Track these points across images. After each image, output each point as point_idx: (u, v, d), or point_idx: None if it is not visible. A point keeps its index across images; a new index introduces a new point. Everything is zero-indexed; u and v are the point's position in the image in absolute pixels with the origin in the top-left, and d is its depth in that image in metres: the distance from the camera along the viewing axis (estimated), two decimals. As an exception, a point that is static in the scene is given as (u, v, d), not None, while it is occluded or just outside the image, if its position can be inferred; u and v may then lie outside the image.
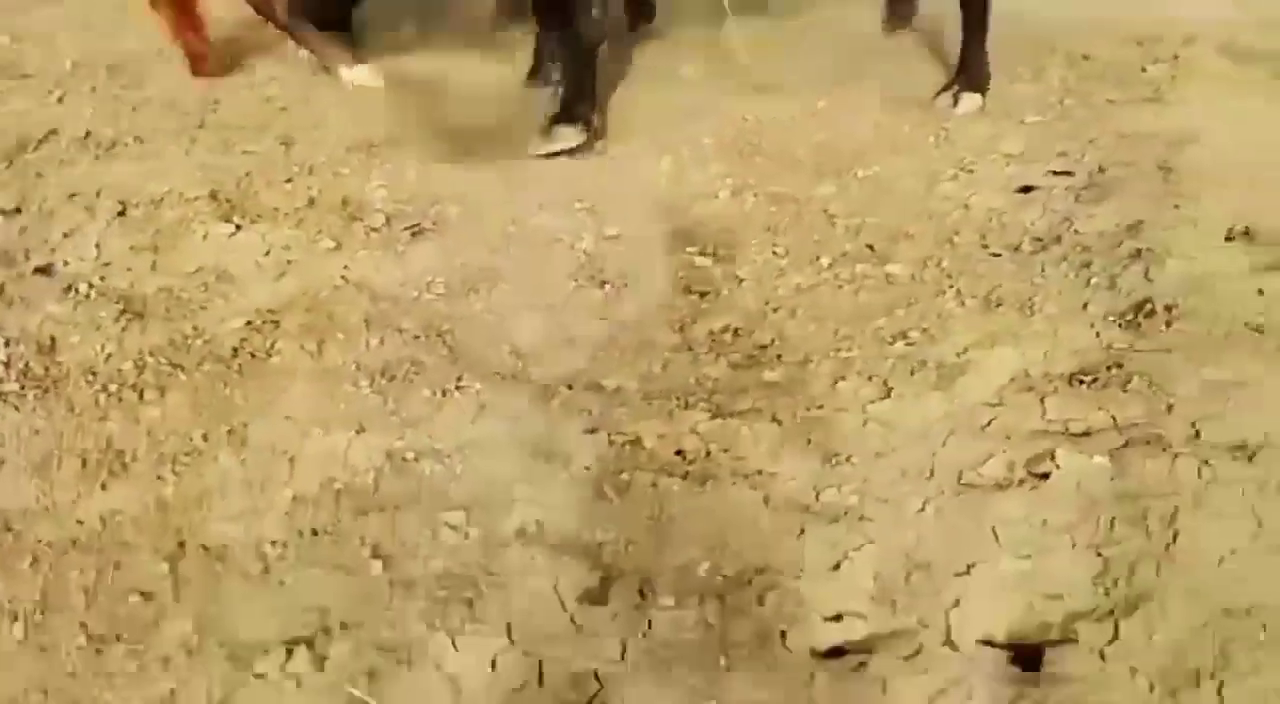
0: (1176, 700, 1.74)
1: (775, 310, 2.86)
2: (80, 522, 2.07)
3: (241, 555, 2.01)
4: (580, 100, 3.57)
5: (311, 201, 3.31)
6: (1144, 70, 4.13)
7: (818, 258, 3.10)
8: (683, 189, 3.39)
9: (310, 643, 1.84)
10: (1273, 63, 4.12)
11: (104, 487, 2.15)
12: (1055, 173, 3.64)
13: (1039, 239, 3.25)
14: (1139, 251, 3.08)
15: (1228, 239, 3.18)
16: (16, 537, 2.02)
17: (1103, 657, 1.83)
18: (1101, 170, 3.61)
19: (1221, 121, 3.75)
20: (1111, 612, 1.91)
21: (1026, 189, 3.54)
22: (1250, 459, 2.19)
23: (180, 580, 1.96)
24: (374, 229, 3.18)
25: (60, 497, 2.12)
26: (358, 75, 3.93)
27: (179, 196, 3.32)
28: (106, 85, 4.24)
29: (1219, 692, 1.75)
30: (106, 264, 2.97)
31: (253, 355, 2.58)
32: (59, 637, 1.83)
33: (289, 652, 1.82)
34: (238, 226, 3.14)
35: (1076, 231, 3.26)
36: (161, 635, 1.85)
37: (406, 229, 3.16)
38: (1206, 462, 2.20)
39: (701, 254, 3.11)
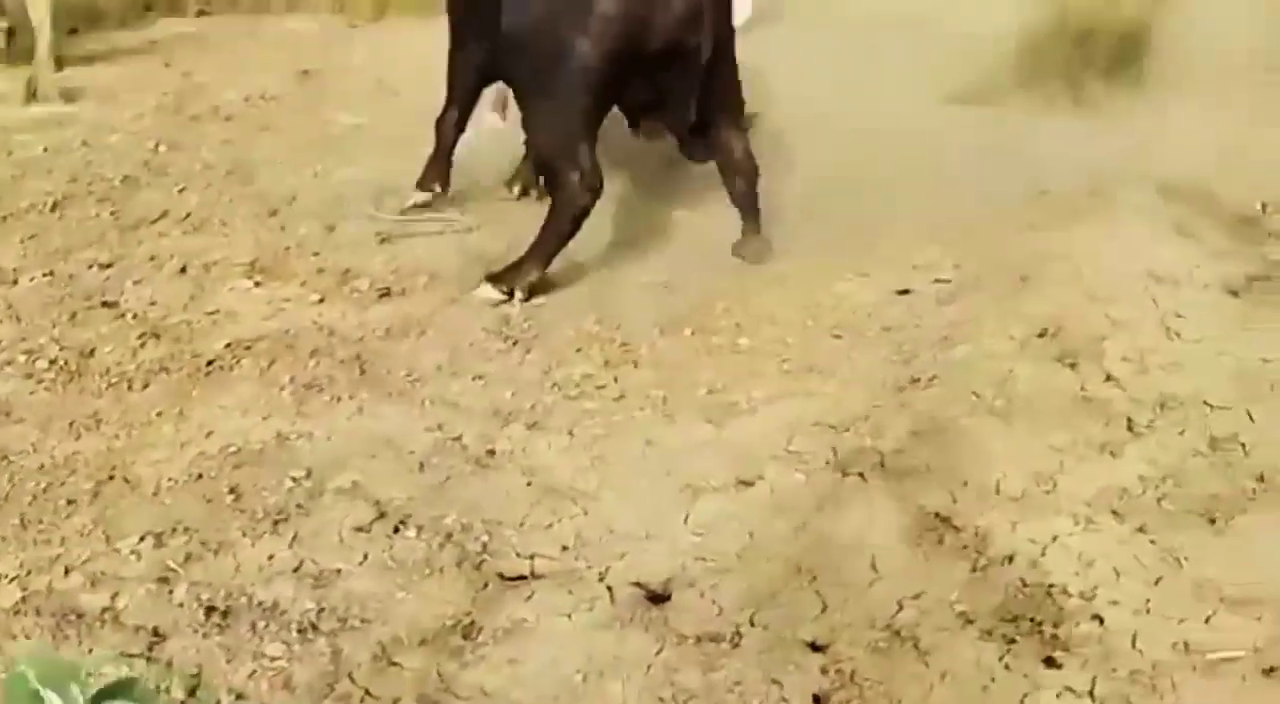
0: (746, 619, 2.31)
1: (630, 363, 3.54)
2: (51, 458, 2.94)
3: (146, 485, 2.84)
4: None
5: (321, 270, 4.21)
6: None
7: (685, 330, 3.76)
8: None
9: (159, 537, 2.63)
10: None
11: (77, 438, 3.03)
12: (937, 280, 4.20)
13: (887, 329, 3.82)
14: (946, 338, 3.62)
15: (1039, 336, 3.68)
16: (5, 463, 2.91)
17: (701, 595, 2.42)
18: (976, 279, 4.15)
19: (1086, 245, 4.26)
20: (729, 569, 2.50)
21: (905, 292, 4.10)
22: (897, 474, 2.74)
23: (99, 497, 2.80)
24: (357, 291, 4.05)
25: (46, 443, 3.01)
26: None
27: (228, 262, 4.28)
28: (222, 182, 5.33)
29: (752, 619, 2.32)
30: (153, 303, 3.92)
31: (221, 367, 3.44)
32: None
33: (141, 539, 2.61)
34: (256, 283, 4.06)
35: (917, 326, 3.82)
36: (68, 525, 2.68)
37: (378, 292, 4.00)
38: (862, 477, 2.76)
39: (598, 323, 3.82)
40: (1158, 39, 6.65)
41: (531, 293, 3.87)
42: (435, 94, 4.83)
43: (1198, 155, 5.35)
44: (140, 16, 9.61)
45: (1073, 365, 3.39)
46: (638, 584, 2.48)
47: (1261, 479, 2.88)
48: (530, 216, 4.66)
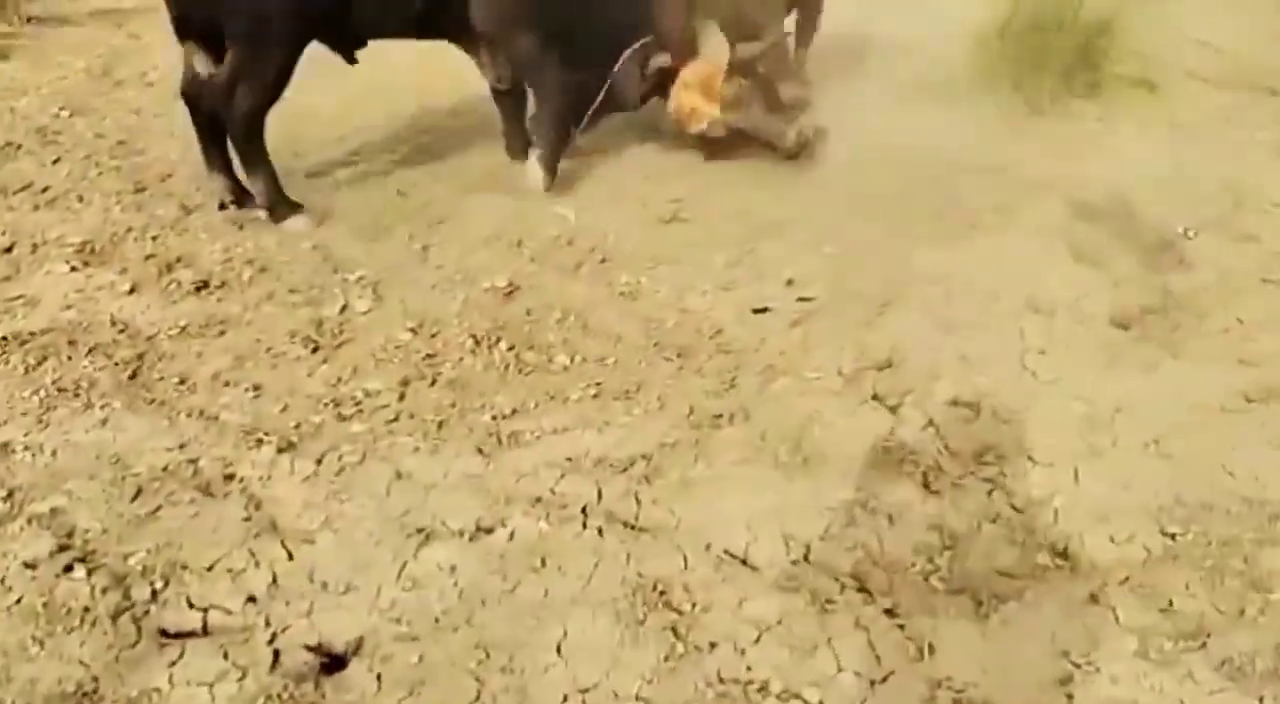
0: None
1: (427, 380, 3.22)
2: None
3: None
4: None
5: (150, 257, 3.90)
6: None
7: (503, 344, 3.43)
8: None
9: None
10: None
11: None
12: (801, 298, 3.83)
13: (725, 352, 3.48)
14: (772, 367, 3.28)
15: (878, 369, 3.33)
16: None
17: (371, 668, 2.11)
18: (842, 299, 3.78)
19: (968, 266, 3.88)
20: (416, 636, 2.19)
21: (762, 310, 3.74)
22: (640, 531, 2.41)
23: None
24: (177, 282, 3.74)
25: None
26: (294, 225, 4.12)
27: (60, 242, 3.99)
28: (107, 153, 5.03)
29: None
30: (-43, 281, 3.63)
31: (-17, 363, 3.15)
32: None
33: None
34: (73, 268, 3.77)
35: (756, 350, 3.47)
36: None
37: (196, 284, 3.69)
38: (600, 532, 2.43)
39: (414, 331, 3.50)
40: (1118, 45, 6.19)
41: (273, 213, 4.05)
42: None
43: (1131, 170, 4.95)
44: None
45: (894, 407, 3.04)
46: (315, 647, 2.17)
47: (1062, 554, 2.52)
48: (386, 203, 4.37)
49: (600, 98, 4.73)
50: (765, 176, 4.92)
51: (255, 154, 4.15)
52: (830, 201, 4.60)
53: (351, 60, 4.47)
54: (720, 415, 2.97)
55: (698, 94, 4.80)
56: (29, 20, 7.91)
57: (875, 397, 3.07)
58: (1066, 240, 4.28)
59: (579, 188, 4.78)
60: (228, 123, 4.09)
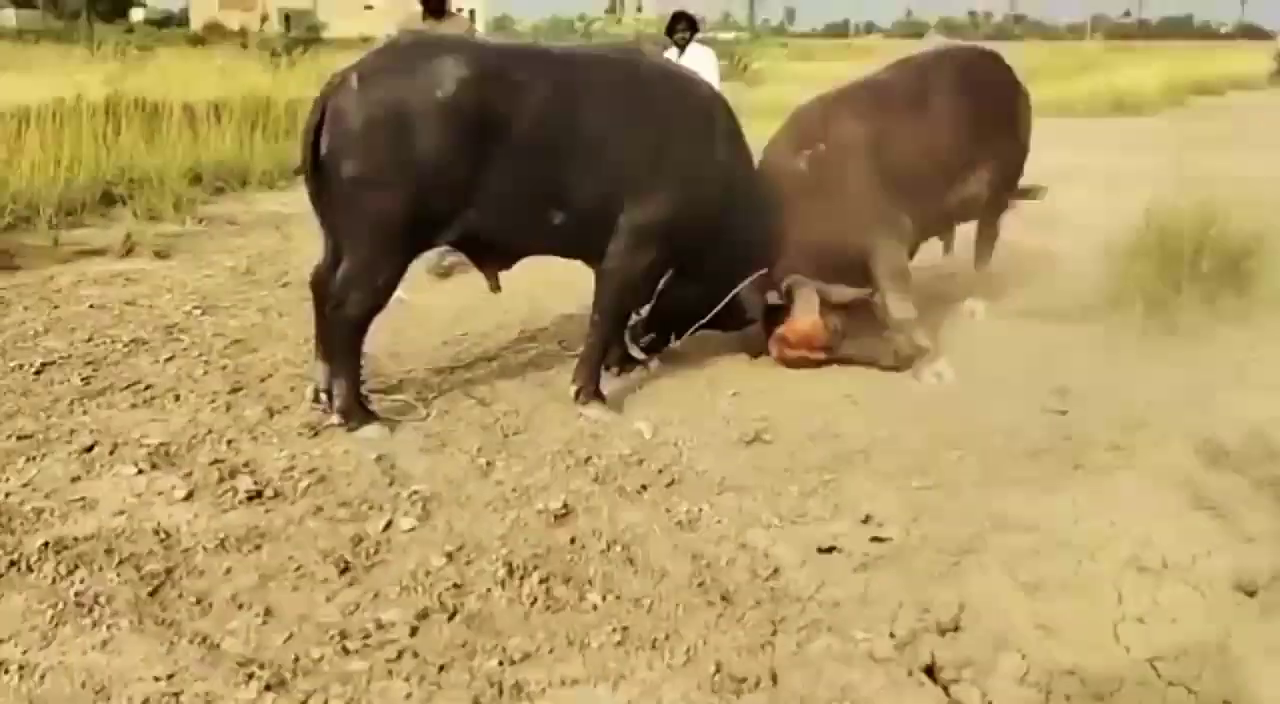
0: None
1: (448, 613, 3.01)
2: None
3: None
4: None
5: (217, 462, 3.89)
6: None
7: (536, 576, 3.21)
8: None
9: None
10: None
11: None
12: (875, 539, 3.52)
13: (775, 599, 3.17)
14: (818, 623, 2.95)
15: (940, 632, 2.97)
16: None
17: None
18: (917, 543, 3.46)
19: (1069, 513, 3.50)
20: None
21: (829, 549, 3.44)
22: None
23: None
24: (233, 489, 3.70)
25: None
26: (366, 434, 4.14)
27: (137, 443, 4.03)
28: (219, 352, 5.17)
29: None
30: (24, 485, 3.67)
31: (19, 570, 3.13)
32: None
33: None
34: (140, 470, 3.78)
35: (811, 597, 3.16)
36: None
37: (250, 493, 3.64)
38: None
39: (449, 557, 3.33)
40: (1270, 266, 5.77)
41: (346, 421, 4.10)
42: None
43: (1277, 406, 4.47)
44: (289, 179, 9.99)
45: (948, 684, 2.65)
46: None
47: None
48: (464, 412, 4.29)
49: (711, 315, 4.76)
50: (860, 398, 4.68)
51: (348, 360, 4.17)
52: (926, 429, 4.30)
53: (495, 287, 4.52)
54: (745, 679, 2.65)
55: (802, 350, 4.77)
56: (200, 221, 8.48)
57: (929, 668, 2.68)
58: (1189, 486, 3.83)
59: (663, 401, 4.62)
60: (334, 325, 4.14)
